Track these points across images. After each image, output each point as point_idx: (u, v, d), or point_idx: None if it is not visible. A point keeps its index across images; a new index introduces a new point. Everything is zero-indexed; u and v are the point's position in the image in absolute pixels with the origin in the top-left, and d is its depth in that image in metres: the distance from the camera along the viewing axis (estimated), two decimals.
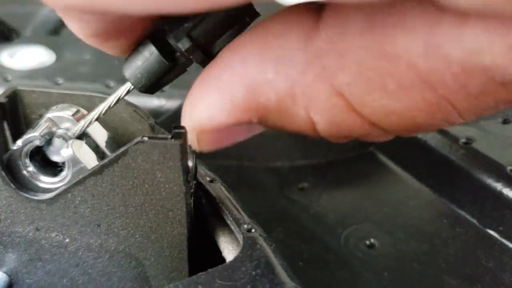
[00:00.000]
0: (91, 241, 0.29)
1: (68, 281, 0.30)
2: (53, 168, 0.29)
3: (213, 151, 0.26)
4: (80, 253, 0.29)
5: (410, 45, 0.19)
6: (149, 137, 0.26)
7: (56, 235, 0.29)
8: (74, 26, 0.23)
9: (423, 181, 0.46)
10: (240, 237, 0.28)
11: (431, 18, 0.19)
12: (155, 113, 0.47)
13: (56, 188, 0.28)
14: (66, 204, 0.28)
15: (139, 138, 0.26)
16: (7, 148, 0.29)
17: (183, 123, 0.25)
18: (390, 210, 0.44)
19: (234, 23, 0.24)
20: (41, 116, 0.32)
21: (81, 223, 0.28)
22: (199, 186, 0.32)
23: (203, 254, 0.30)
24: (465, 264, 0.38)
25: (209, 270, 0.26)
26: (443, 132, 0.45)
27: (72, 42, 0.61)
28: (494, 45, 0.18)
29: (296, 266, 0.38)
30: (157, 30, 0.25)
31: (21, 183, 0.28)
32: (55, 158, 0.29)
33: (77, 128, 0.28)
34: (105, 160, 0.26)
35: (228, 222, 0.30)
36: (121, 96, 0.27)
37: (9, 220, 0.29)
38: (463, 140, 0.44)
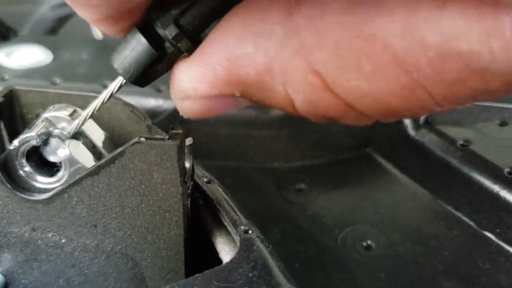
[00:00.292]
0: (88, 241, 0.29)
1: (64, 281, 0.30)
2: (50, 168, 0.29)
3: (201, 119, 0.26)
4: (77, 253, 0.29)
5: (388, 26, 0.19)
6: (146, 138, 0.25)
7: (52, 236, 0.29)
8: (83, 11, 0.23)
9: (420, 182, 0.46)
10: (237, 238, 0.28)
11: (411, 1, 0.19)
12: (153, 113, 0.47)
13: (52, 188, 0.28)
14: (63, 204, 0.28)
15: (136, 139, 0.26)
16: (3, 148, 0.29)
17: (171, 93, 0.25)
18: (387, 211, 0.44)
19: (223, 11, 0.23)
20: (38, 115, 0.32)
21: (77, 223, 0.28)
22: (196, 187, 0.32)
23: (199, 255, 0.30)
24: (462, 266, 0.38)
25: (206, 271, 0.26)
26: (440, 134, 0.45)
27: (69, 41, 0.61)
28: (471, 31, 0.18)
29: (293, 267, 0.38)
30: (146, 19, 0.24)
31: (17, 183, 0.28)
32: (51, 158, 0.29)
33: (72, 126, 0.28)
34: (102, 161, 0.26)
35: (225, 223, 0.29)
36: (114, 92, 0.26)
37: (5, 220, 0.28)
38: (461, 142, 0.44)
